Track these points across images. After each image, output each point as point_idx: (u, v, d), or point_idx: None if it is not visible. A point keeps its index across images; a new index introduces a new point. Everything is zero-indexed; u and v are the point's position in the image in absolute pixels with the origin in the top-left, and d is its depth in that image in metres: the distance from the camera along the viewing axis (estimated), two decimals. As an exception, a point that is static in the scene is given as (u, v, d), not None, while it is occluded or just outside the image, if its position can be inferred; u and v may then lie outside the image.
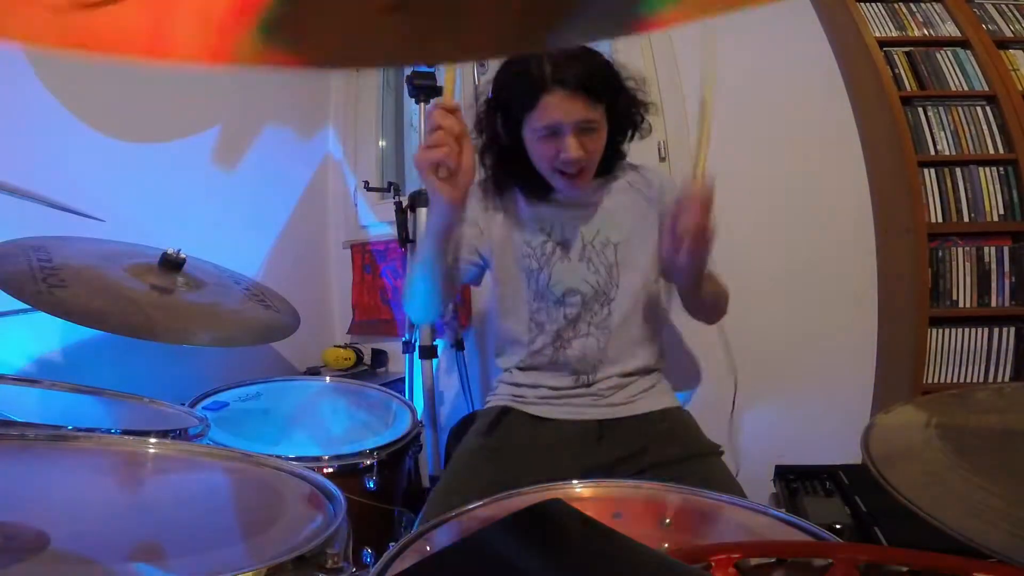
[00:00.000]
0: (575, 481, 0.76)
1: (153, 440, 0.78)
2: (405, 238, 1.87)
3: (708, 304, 1.17)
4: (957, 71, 1.57)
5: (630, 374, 1.18)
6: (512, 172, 1.19)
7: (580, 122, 1.06)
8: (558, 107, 1.05)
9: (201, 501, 0.69)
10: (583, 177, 1.13)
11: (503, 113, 1.14)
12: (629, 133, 1.20)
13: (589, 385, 1.17)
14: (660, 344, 1.26)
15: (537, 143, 1.11)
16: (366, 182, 2.14)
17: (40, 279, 1.00)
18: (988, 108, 1.53)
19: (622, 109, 1.15)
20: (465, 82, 2.16)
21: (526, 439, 1.13)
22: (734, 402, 1.22)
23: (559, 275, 1.17)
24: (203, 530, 0.61)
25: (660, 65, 1.85)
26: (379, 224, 2.27)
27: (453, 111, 0.88)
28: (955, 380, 1.48)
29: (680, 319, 1.33)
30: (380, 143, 2.36)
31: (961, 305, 1.49)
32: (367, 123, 2.35)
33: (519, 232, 1.20)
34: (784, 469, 1.46)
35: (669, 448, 1.08)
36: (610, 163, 1.20)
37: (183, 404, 1.16)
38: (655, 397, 1.19)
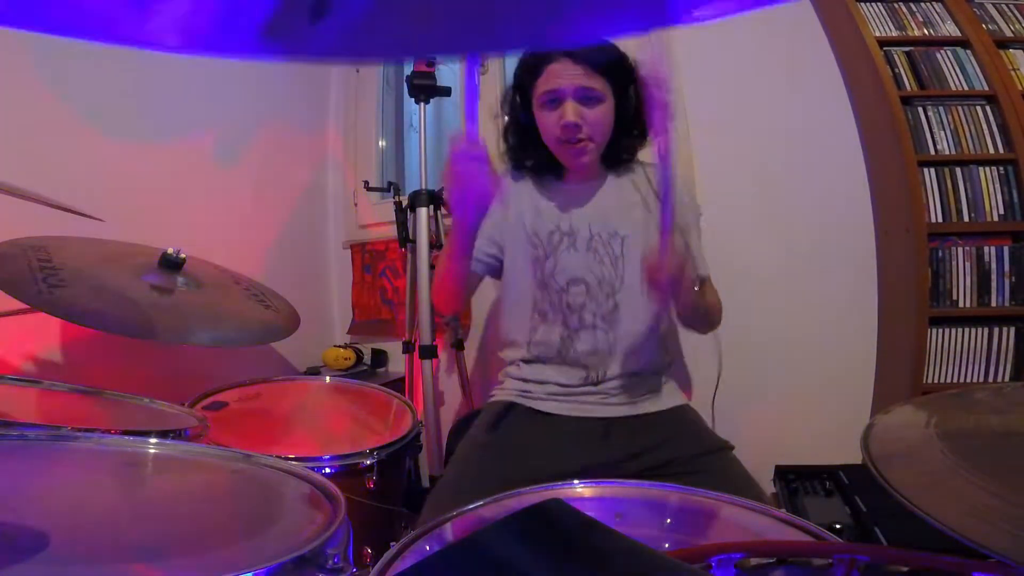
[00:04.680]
0: (576, 481, 0.76)
1: (153, 440, 0.78)
2: (405, 238, 1.87)
3: (699, 317, 1.19)
4: (957, 71, 1.57)
5: (638, 374, 1.19)
6: (528, 152, 1.24)
7: (579, 88, 1.11)
8: (560, 73, 1.11)
9: (201, 501, 0.69)
10: (587, 153, 1.15)
11: (520, 90, 1.20)
12: (642, 131, 1.21)
13: (597, 383, 1.18)
14: (667, 344, 1.26)
15: (542, 113, 1.16)
16: (366, 182, 2.14)
17: (40, 279, 1.00)
18: (988, 108, 1.53)
19: (634, 100, 1.17)
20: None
21: (532, 436, 1.13)
22: (714, 401, 1.23)
23: (564, 263, 1.19)
24: (203, 530, 0.61)
25: (660, 65, 1.85)
26: (379, 224, 2.28)
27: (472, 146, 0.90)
28: (955, 380, 1.47)
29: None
30: (380, 143, 2.36)
31: (961, 305, 1.48)
32: (367, 123, 2.35)
33: (528, 222, 1.22)
34: (784, 469, 1.46)
35: (682, 445, 1.08)
36: (620, 156, 1.22)
37: (183, 404, 1.16)
38: (663, 397, 1.20)
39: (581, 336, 1.18)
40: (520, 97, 1.20)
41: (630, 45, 1.20)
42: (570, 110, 1.11)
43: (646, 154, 1.29)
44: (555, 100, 1.13)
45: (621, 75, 1.15)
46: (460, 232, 1.06)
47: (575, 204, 1.21)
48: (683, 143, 1.83)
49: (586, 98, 1.12)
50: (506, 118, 1.25)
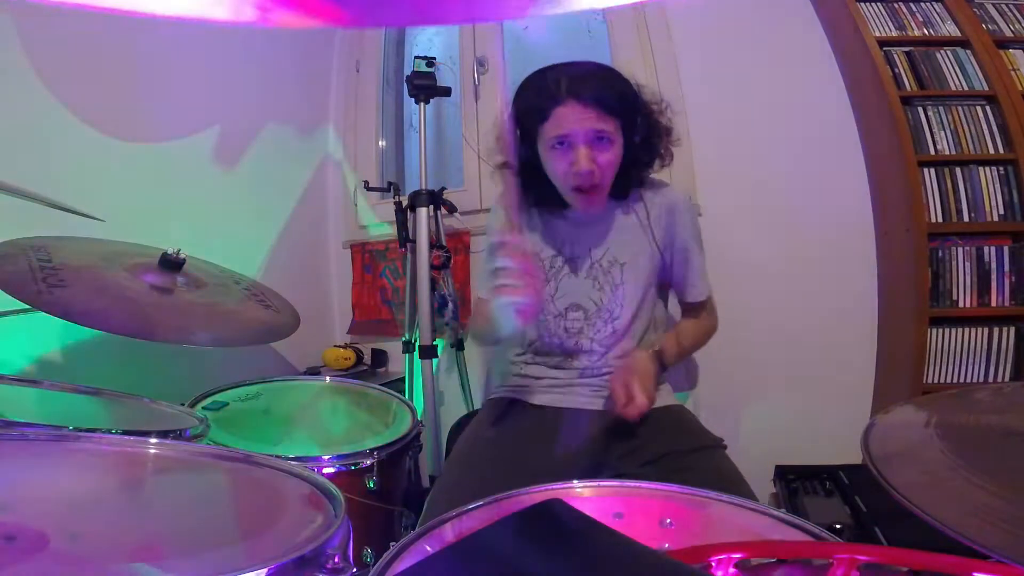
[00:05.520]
0: (575, 481, 0.76)
1: (153, 440, 0.78)
2: (405, 238, 1.87)
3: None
4: (957, 71, 1.57)
5: None
6: (530, 187, 1.20)
7: (592, 132, 1.07)
8: (570, 117, 1.06)
9: (201, 501, 0.69)
10: (597, 193, 1.13)
11: (521, 127, 1.15)
12: (649, 159, 1.20)
13: (594, 376, 1.19)
14: None
15: (551, 155, 1.12)
16: (366, 182, 2.14)
17: (40, 279, 1.00)
18: (988, 108, 1.53)
19: (641, 132, 1.15)
20: (465, 82, 2.16)
21: (532, 433, 1.13)
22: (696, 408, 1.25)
23: (564, 289, 1.20)
24: (203, 530, 0.61)
25: (661, 72, 1.85)
26: (379, 224, 2.28)
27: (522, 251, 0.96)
28: (955, 380, 1.48)
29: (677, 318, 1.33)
30: (380, 143, 2.36)
31: (961, 305, 1.49)
32: (367, 123, 2.35)
33: (532, 246, 1.22)
34: (784, 469, 1.46)
35: (675, 441, 1.08)
36: (627, 187, 1.20)
37: (183, 404, 1.16)
38: (658, 397, 1.20)
39: (580, 357, 1.20)
40: (523, 133, 1.15)
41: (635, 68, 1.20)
42: (583, 158, 1.07)
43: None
44: (565, 144, 1.09)
45: (630, 110, 1.12)
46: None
47: (579, 232, 1.22)
48: (684, 145, 1.83)
49: (597, 140, 1.08)
50: (504, 152, 1.23)
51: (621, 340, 1.19)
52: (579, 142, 1.07)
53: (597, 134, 1.08)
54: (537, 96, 1.10)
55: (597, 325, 1.19)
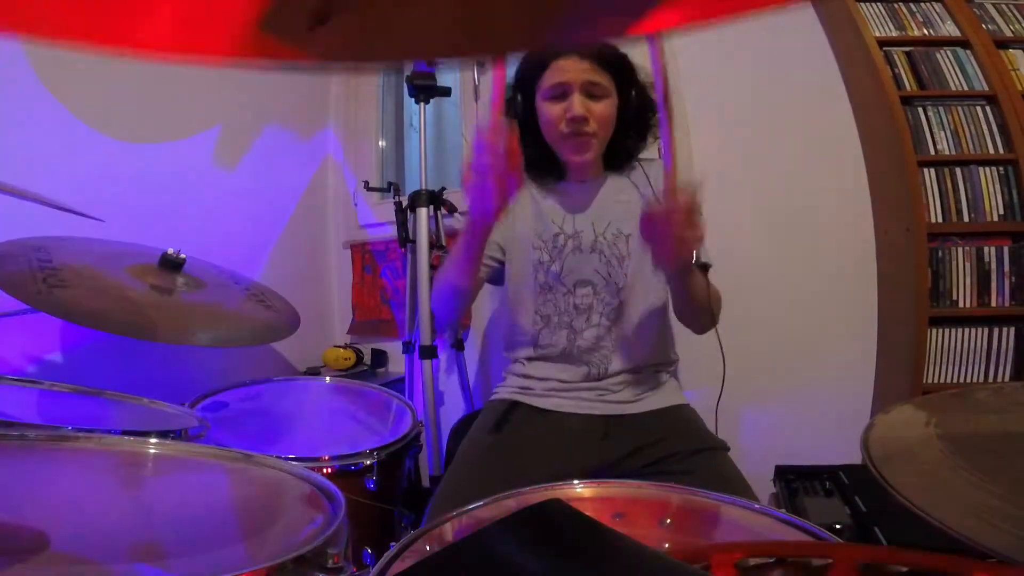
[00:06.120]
0: (575, 481, 0.76)
1: (153, 440, 0.78)
2: (405, 238, 1.87)
3: (697, 309, 1.14)
4: (957, 71, 1.57)
5: (641, 370, 1.19)
6: (528, 151, 1.18)
7: (587, 83, 1.12)
8: (566, 67, 1.12)
9: (201, 501, 0.69)
10: (590, 145, 1.15)
11: (520, 87, 1.19)
12: (641, 132, 1.22)
13: (599, 379, 1.18)
14: (670, 339, 1.27)
15: (546, 106, 1.15)
16: (366, 182, 2.14)
17: (40, 279, 1.00)
18: (988, 108, 1.53)
19: (634, 102, 1.17)
20: (465, 81, 2.16)
21: (534, 435, 1.13)
22: (719, 402, 1.24)
23: (571, 266, 1.19)
24: (203, 530, 0.61)
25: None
26: (379, 224, 2.28)
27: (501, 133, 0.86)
28: (955, 380, 1.47)
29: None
30: (380, 143, 2.36)
31: (961, 305, 1.48)
32: (367, 123, 2.35)
33: (531, 225, 1.22)
34: (784, 469, 1.46)
35: (678, 443, 1.08)
36: (621, 159, 1.22)
37: (183, 404, 1.16)
38: (663, 395, 1.20)
39: (585, 335, 1.18)
40: (521, 95, 1.19)
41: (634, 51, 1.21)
42: (577, 102, 1.11)
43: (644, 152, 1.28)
44: (561, 94, 1.13)
45: (624, 73, 1.16)
46: (474, 235, 1.01)
47: (577, 205, 1.22)
48: (683, 144, 1.83)
49: (592, 93, 1.13)
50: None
51: (625, 313, 1.19)
52: (574, 90, 1.12)
53: (592, 86, 1.12)
54: (537, 53, 1.15)
55: (605, 299, 1.19)
